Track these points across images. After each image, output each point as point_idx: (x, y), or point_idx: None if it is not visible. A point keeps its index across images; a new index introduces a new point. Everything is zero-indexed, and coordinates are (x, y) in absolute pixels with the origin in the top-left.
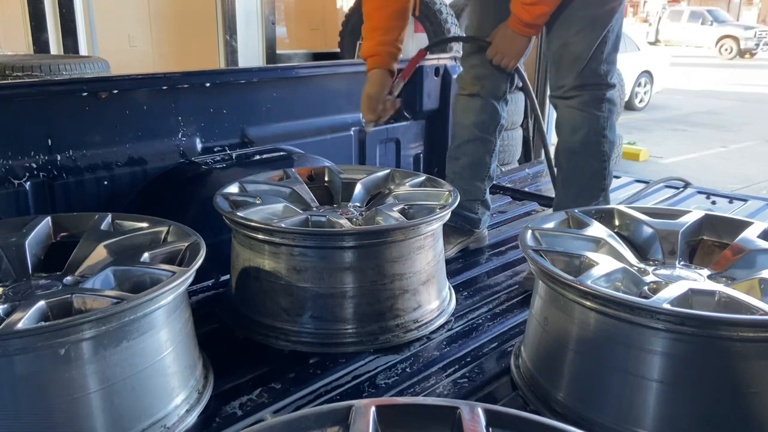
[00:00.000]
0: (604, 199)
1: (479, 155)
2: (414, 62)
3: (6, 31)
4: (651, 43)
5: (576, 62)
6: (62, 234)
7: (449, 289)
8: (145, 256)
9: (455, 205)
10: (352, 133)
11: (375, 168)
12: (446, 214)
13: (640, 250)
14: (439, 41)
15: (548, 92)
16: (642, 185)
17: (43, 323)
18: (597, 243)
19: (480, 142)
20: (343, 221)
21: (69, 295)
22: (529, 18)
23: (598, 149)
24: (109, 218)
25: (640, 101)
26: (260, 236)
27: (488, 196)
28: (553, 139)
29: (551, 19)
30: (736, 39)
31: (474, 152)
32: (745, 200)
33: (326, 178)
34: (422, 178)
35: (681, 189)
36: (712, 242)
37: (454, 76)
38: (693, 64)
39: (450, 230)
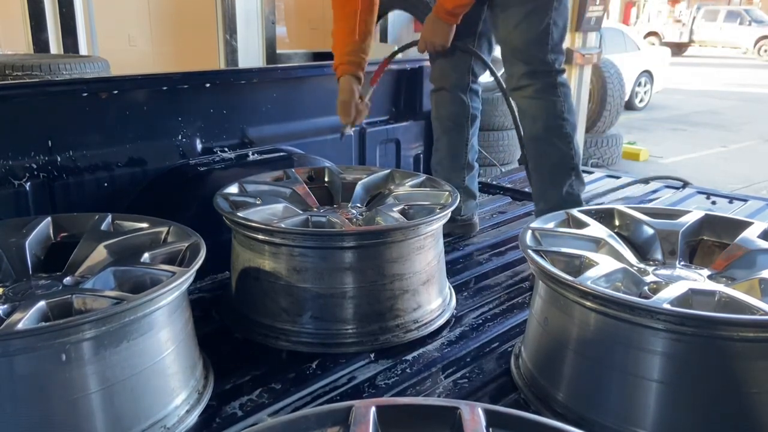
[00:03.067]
0: (576, 178)
1: (454, 144)
2: (380, 70)
3: (6, 31)
4: (685, 45)
5: (519, 53)
6: (62, 234)
7: (449, 289)
8: (146, 256)
9: (455, 205)
10: (352, 133)
11: (375, 168)
12: (446, 214)
13: (640, 251)
14: (395, 53)
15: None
16: (641, 185)
17: (43, 323)
18: (597, 243)
19: (454, 132)
20: (344, 221)
21: (69, 296)
22: (450, 6)
23: (561, 132)
24: (109, 219)
25: (640, 101)
26: (260, 237)
27: (471, 185)
28: None
29: (492, 16)
30: None
31: (449, 142)
32: (745, 200)
33: (326, 179)
34: (422, 178)
35: (680, 188)
36: (712, 242)
37: None
38: (730, 65)
39: None
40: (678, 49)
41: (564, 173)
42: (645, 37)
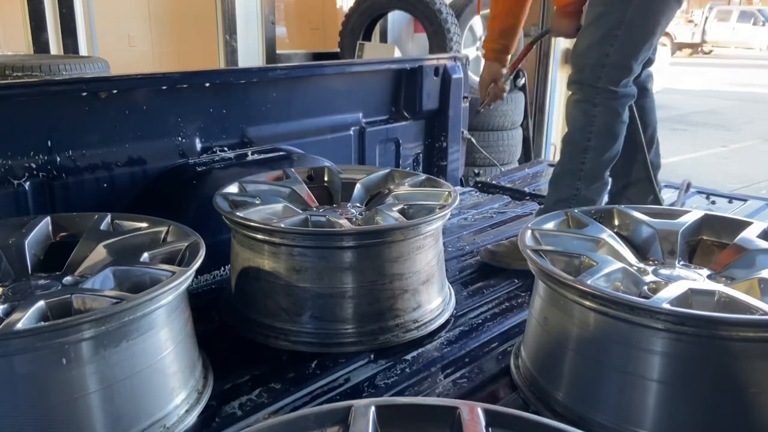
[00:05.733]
0: (576, 201)
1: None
2: (521, 57)
3: (6, 31)
4: (697, 45)
5: (576, 58)
6: (62, 234)
7: (449, 288)
8: (145, 256)
9: (455, 204)
10: (351, 133)
11: (374, 168)
12: (446, 214)
13: (640, 250)
14: (535, 40)
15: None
16: None
17: (42, 323)
18: (597, 243)
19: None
20: (343, 221)
21: (69, 295)
22: (558, 6)
23: (578, 149)
24: (108, 218)
25: None
26: (260, 236)
27: None
28: (553, 138)
29: None
30: None
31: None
32: (744, 200)
33: (326, 178)
34: (422, 178)
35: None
36: (712, 242)
37: (454, 76)
38: (743, 65)
39: None
40: (691, 49)
41: (565, 191)
42: None
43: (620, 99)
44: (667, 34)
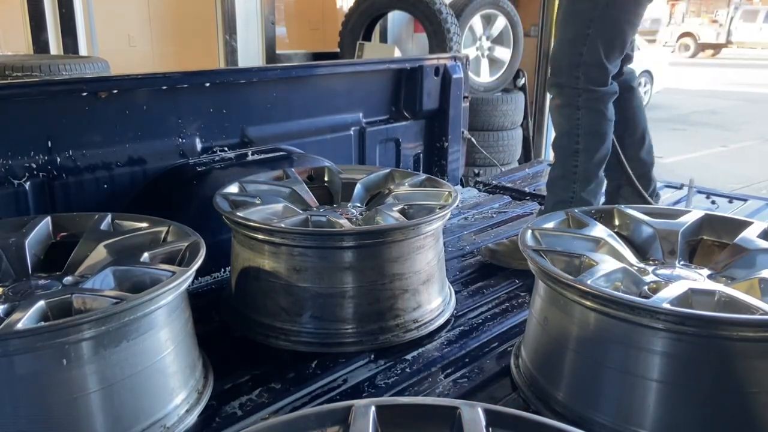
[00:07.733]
0: (574, 202)
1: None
2: None
3: (6, 31)
4: (722, 46)
5: (552, 60)
6: (62, 234)
7: (449, 288)
8: (145, 256)
9: (455, 204)
10: (352, 133)
11: (375, 168)
12: (446, 214)
13: (640, 250)
14: None
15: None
16: None
17: (42, 323)
18: (597, 243)
19: None
20: (343, 221)
21: (69, 295)
22: None
23: (569, 152)
24: (108, 218)
25: None
26: (260, 236)
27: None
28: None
29: None
30: None
31: None
32: (745, 200)
33: (326, 178)
34: (422, 177)
35: (680, 188)
36: (712, 242)
37: (454, 76)
38: (744, 66)
39: None
40: (714, 50)
41: (562, 194)
42: (678, 38)
43: (602, 98)
44: (690, 35)
